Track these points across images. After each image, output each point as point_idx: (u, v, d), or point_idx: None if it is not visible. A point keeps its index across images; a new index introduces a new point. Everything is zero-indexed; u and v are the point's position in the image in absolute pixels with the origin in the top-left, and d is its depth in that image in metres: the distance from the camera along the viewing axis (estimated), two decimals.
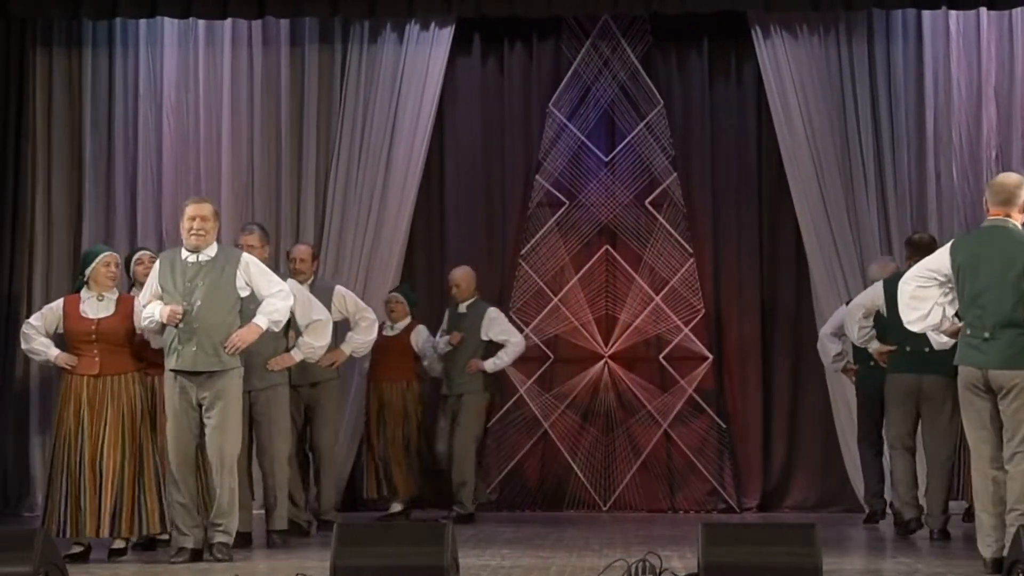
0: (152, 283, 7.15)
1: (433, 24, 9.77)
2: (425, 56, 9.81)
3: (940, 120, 9.86)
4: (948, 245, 6.62)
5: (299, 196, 9.96)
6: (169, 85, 10.01)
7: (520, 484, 9.93)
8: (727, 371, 10.01)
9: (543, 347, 10.01)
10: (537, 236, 10.10)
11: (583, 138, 10.13)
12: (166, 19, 9.70)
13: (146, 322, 7.11)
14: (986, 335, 6.31)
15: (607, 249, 10.12)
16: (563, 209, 10.11)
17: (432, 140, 9.93)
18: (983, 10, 9.61)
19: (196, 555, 6.95)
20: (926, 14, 9.76)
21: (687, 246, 10.05)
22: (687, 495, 9.91)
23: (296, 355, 7.83)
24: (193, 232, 7.16)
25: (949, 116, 9.85)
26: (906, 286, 6.59)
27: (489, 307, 9.24)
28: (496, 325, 9.17)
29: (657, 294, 9.97)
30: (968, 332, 6.38)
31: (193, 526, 7.00)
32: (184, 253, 7.18)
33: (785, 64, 9.76)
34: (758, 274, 10.07)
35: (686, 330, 9.97)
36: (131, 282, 8.00)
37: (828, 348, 8.81)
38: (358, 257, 9.78)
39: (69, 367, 7.19)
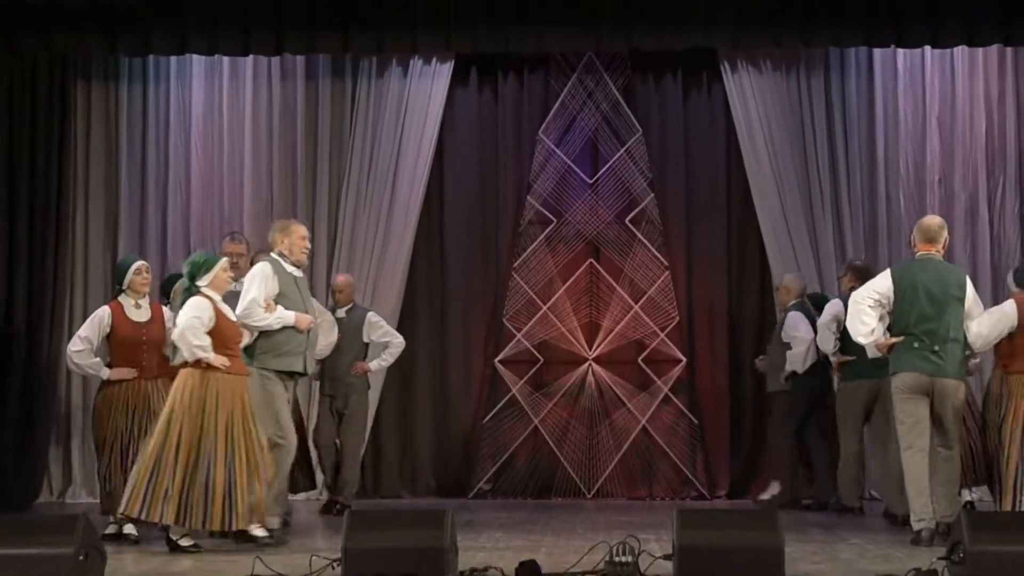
0: (268, 287, 6.99)
1: (434, 60, 9.80)
2: (427, 89, 9.83)
3: (889, 147, 9.90)
4: (889, 272, 6.96)
5: (313, 214, 9.96)
6: (196, 115, 10.03)
7: (512, 474, 9.95)
8: (699, 372, 10.03)
9: (533, 350, 10.03)
10: (528, 250, 10.12)
11: (569, 162, 10.15)
12: (194, 56, 9.71)
13: (276, 322, 6.97)
14: (936, 348, 6.78)
15: (591, 262, 10.14)
16: (551, 226, 10.13)
17: (433, 164, 9.94)
18: (927, 49, 9.66)
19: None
20: (876, 52, 9.81)
21: (663, 259, 10.07)
22: (663, 484, 9.92)
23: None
24: (304, 251, 7.19)
25: (897, 144, 9.90)
26: (856, 306, 6.91)
27: (368, 311, 8.96)
28: (377, 328, 8.85)
29: (636, 303, 10.00)
30: (916, 346, 6.80)
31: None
32: (289, 267, 7.13)
33: (751, 95, 9.79)
34: (727, 285, 10.09)
35: (662, 335, 10.00)
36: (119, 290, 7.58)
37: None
38: (366, 270, 9.78)
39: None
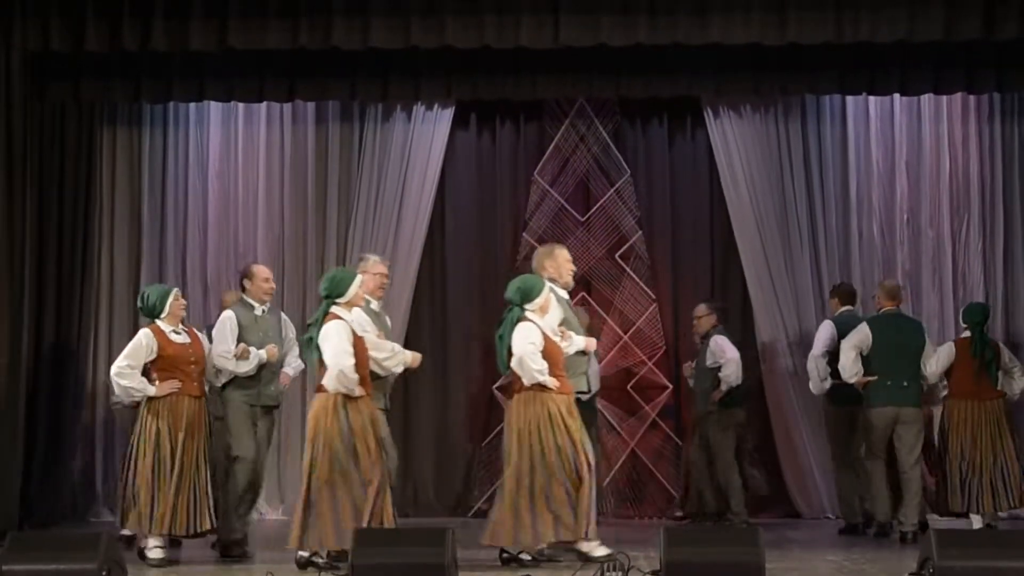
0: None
1: (436, 106, 9.83)
2: (430, 132, 9.85)
3: (862, 187, 9.93)
4: (866, 326, 8.30)
5: (323, 251, 9.96)
6: (214, 157, 10.05)
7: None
8: (684, 399, 10.00)
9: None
10: None
11: (563, 201, 10.17)
12: (212, 102, 9.75)
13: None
14: (904, 383, 8.16)
15: (583, 295, 10.14)
16: None
17: (435, 202, 9.95)
18: (896, 96, 9.71)
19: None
20: (849, 99, 9.85)
21: (650, 293, 10.09)
22: (650, 503, 9.90)
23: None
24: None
25: (869, 184, 9.93)
26: (846, 355, 8.23)
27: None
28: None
29: (625, 333, 10.01)
30: (889, 383, 8.14)
31: None
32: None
33: (732, 139, 9.82)
34: None
35: (650, 364, 10.00)
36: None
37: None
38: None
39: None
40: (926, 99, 9.83)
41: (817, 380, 8.58)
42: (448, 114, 9.86)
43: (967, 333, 8.36)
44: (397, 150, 9.88)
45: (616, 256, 10.10)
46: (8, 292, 8.51)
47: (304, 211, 10.04)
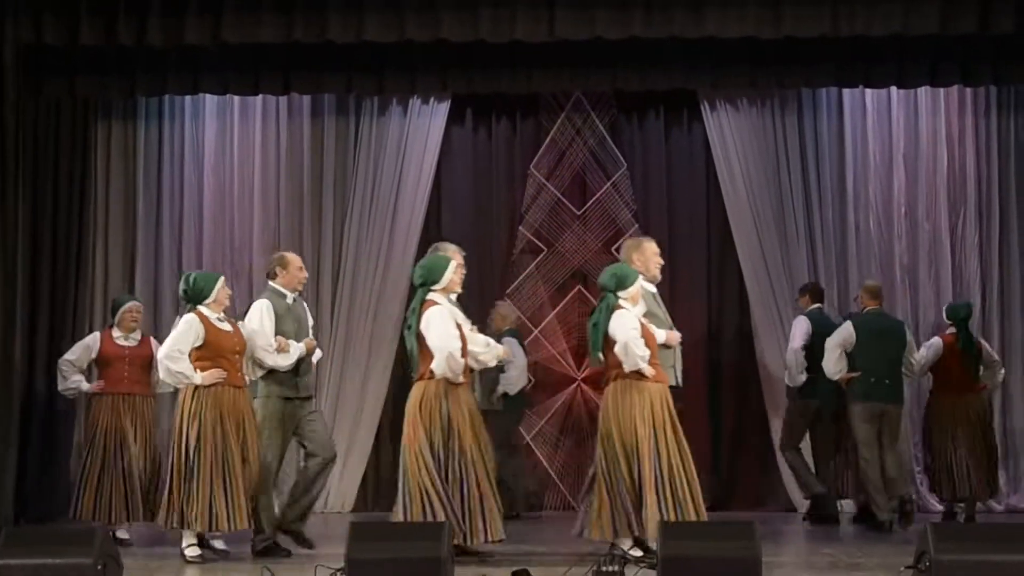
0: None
1: (432, 99, 9.83)
2: (425, 126, 9.85)
3: (859, 180, 9.94)
4: (850, 324, 8.48)
5: (319, 244, 9.97)
6: (209, 151, 10.05)
7: (505, 488, 9.86)
8: (680, 392, 10.01)
9: (526, 372, 10.00)
10: (520, 278, 10.14)
11: (559, 195, 10.18)
12: (207, 96, 9.75)
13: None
14: (887, 381, 8.36)
15: (579, 289, 10.16)
16: (542, 255, 10.15)
17: (431, 196, 9.96)
18: (894, 89, 9.72)
19: None
20: (846, 92, 9.86)
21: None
22: None
23: None
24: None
25: (866, 177, 9.94)
26: (831, 353, 8.41)
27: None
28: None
29: None
30: (873, 380, 8.32)
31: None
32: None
33: (729, 133, 9.83)
34: (706, 310, 10.10)
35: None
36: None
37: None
38: (368, 297, 9.79)
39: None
40: (923, 92, 9.84)
41: (795, 372, 8.74)
42: (444, 108, 9.86)
43: (951, 330, 8.74)
44: (393, 144, 9.88)
45: (612, 250, 10.06)
46: (1, 288, 8.51)
47: (300, 205, 10.03)
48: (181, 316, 7.03)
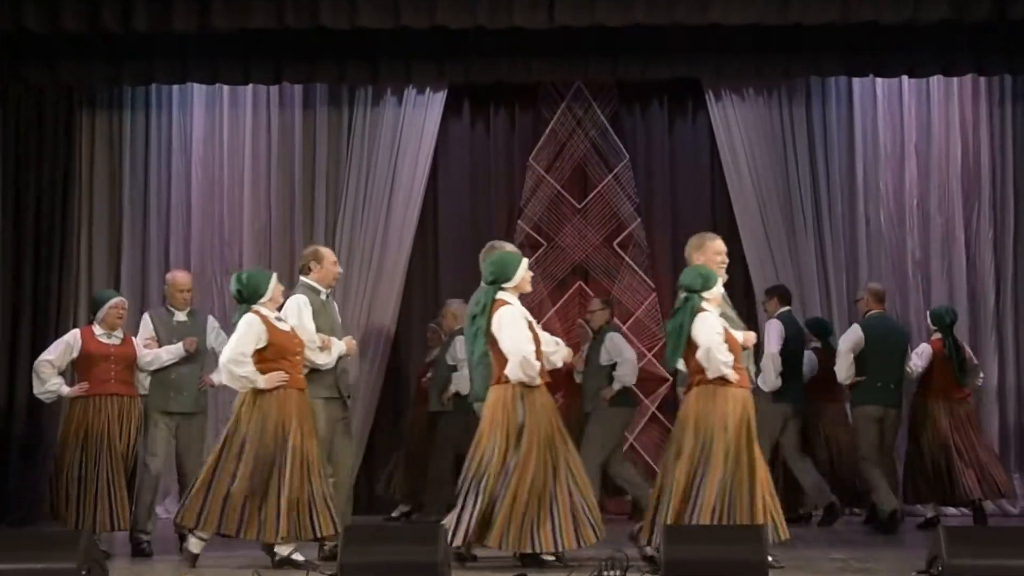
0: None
1: (428, 89, 9.79)
2: (421, 117, 9.82)
3: (869, 172, 9.94)
4: (859, 328, 8.72)
5: (311, 238, 9.90)
6: (198, 142, 10.03)
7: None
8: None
9: None
10: None
11: (559, 188, 10.17)
12: (195, 85, 9.74)
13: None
14: (892, 386, 8.63)
15: (580, 285, 10.15)
16: (542, 250, 10.14)
17: (427, 190, 9.92)
18: (905, 78, 9.72)
19: None
20: (856, 81, 9.86)
21: (650, 282, 10.10)
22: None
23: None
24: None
25: (876, 169, 9.94)
26: (844, 358, 8.64)
27: (208, 314, 8.22)
28: (220, 335, 7.88)
29: (624, 324, 10.01)
30: (880, 384, 8.56)
31: None
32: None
33: (734, 122, 9.81)
34: None
35: (649, 355, 9.99)
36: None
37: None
38: (361, 294, 9.75)
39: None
40: (935, 81, 9.83)
41: (772, 377, 8.74)
42: (440, 98, 9.83)
43: (937, 335, 8.87)
44: (387, 135, 9.85)
45: (614, 244, 10.11)
46: None
47: (291, 198, 10.02)
48: (238, 317, 6.76)
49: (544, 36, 8.76)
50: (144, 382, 7.62)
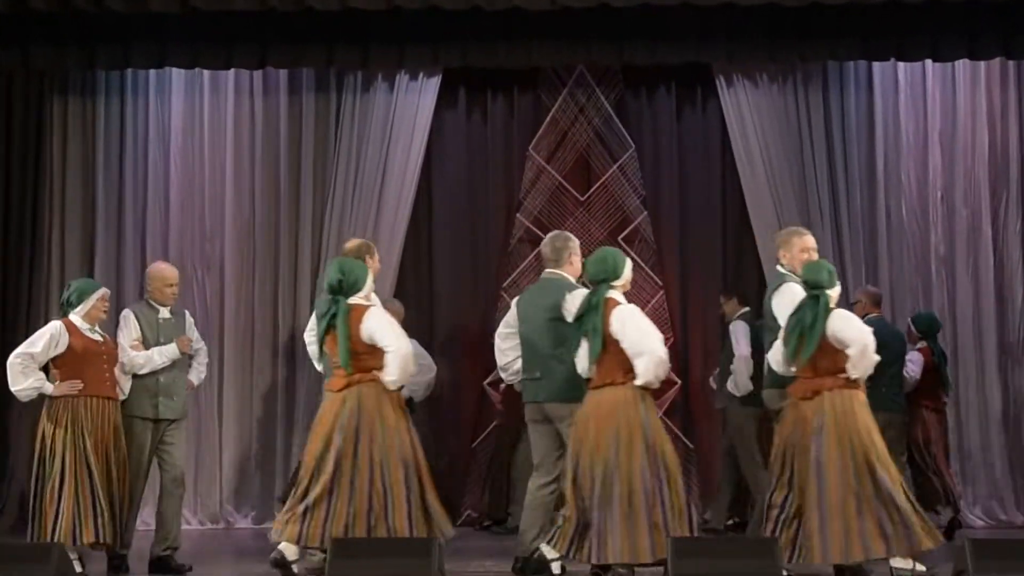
0: None
1: (421, 74, 9.74)
2: (414, 104, 9.77)
3: (890, 162, 9.91)
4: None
5: (297, 233, 9.93)
6: (176, 130, 10.01)
7: (503, 498, 9.84)
8: (693, 395, 10.00)
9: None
10: (518, 270, 10.09)
11: (560, 179, 10.14)
12: (174, 69, 9.70)
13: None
14: (895, 392, 8.60)
15: (583, 281, 10.10)
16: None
17: (420, 182, 9.88)
18: (928, 62, 9.70)
19: None
20: (876, 65, 9.82)
21: (657, 279, 10.06)
22: None
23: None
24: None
25: (898, 159, 9.92)
26: None
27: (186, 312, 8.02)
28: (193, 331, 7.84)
29: None
30: (884, 389, 8.28)
31: None
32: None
33: (747, 110, 9.75)
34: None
35: None
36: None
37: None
38: None
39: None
40: (961, 65, 9.79)
41: (745, 379, 8.83)
42: (434, 83, 9.78)
43: (922, 343, 9.06)
44: (378, 123, 9.80)
45: (619, 239, 10.07)
46: None
47: (276, 190, 9.99)
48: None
49: (545, 18, 8.74)
50: (126, 386, 7.34)
